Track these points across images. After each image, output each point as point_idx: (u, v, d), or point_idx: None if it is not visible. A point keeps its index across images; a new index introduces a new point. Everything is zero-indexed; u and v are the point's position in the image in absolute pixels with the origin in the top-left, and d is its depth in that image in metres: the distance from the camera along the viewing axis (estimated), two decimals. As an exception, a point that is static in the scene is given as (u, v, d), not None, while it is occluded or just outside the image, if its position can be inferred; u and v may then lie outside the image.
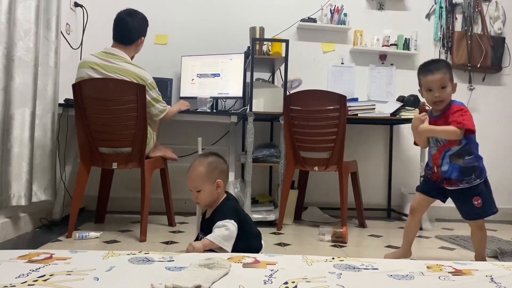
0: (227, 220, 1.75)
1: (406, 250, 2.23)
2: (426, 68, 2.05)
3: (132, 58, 2.75)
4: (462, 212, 2.10)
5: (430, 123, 2.04)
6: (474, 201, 2.00)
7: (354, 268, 1.46)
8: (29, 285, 1.16)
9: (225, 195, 1.90)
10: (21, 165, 2.39)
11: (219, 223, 1.75)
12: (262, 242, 1.93)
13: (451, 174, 2.01)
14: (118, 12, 2.73)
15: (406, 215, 3.62)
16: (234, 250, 1.75)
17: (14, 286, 1.15)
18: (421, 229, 3.20)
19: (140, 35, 2.76)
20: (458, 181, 2.01)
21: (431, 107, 2.13)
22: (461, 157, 2.00)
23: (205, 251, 1.69)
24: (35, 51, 2.47)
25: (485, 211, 2.02)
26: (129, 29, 2.69)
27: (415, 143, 2.21)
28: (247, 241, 1.83)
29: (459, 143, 2.00)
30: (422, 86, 2.06)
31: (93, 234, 2.51)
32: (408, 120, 3.38)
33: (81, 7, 3.33)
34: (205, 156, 1.90)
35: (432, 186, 2.13)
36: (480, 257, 2.14)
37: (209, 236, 1.73)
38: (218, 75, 3.49)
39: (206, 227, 1.84)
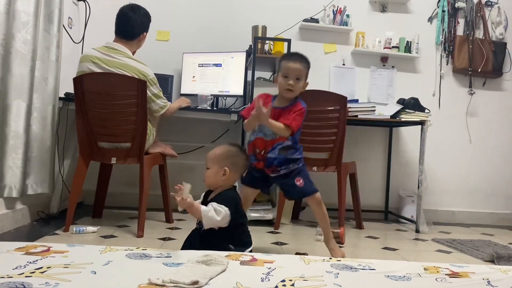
0: (223, 206, 1.76)
1: None
2: (291, 57, 2.13)
3: (133, 53, 2.75)
4: (289, 194, 2.23)
5: (274, 113, 2.07)
6: (296, 181, 2.11)
7: (351, 268, 1.46)
8: (26, 276, 1.16)
9: (231, 186, 1.92)
10: (14, 157, 2.38)
11: (216, 205, 1.75)
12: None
13: (274, 161, 2.09)
14: (121, 7, 2.73)
15: (403, 218, 3.63)
16: (229, 239, 1.79)
17: (12, 277, 1.15)
18: (418, 231, 3.20)
19: (143, 30, 2.76)
20: (279, 168, 2.10)
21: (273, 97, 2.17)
22: (287, 150, 2.09)
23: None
24: (33, 44, 2.46)
25: (309, 188, 2.15)
26: (132, 25, 2.69)
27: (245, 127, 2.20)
28: (242, 235, 1.88)
29: (289, 140, 2.09)
30: (280, 71, 2.09)
31: (90, 228, 2.51)
32: (408, 123, 3.39)
33: (84, 1, 3.32)
34: (230, 144, 1.98)
35: (256, 177, 2.18)
36: (328, 239, 2.25)
37: (203, 207, 1.73)
38: (220, 65, 3.49)
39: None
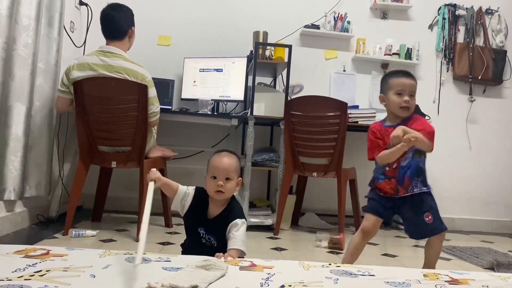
0: (243, 221, 1.67)
1: None
2: (403, 73, 1.97)
3: (127, 50, 2.72)
4: (416, 235, 2.04)
5: (388, 133, 1.90)
6: (426, 217, 1.91)
7: (351, 274, 1.46)
8: (25, 279, 1.16)
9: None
10: (13, 160, 2.38)
11: (235, 232, 1.63)
12: None
13: (407, 171, 1.91)
14: (102, 9, 2.71)
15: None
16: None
17: (11, 280, 1.14)
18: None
19: (130, 25, 2.71)
20: (412, 182, 1.91)
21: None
22: (421, 154, 1.93)
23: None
24: (34, 47, 2.47)
25: (437, 227, 1.95)
26: (118, 22, 2.65)
27: (372, 159, 2.00)
28: None
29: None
30: (392, 89, 1.92)
31: (89, 232, 2.51)
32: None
33: (86, 6, 3.34)
34: (229, 152, 1.78)
35: (384, 205, 1.99)
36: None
37: (235, 245, 1.61)
38: (220, 70, 3.50)
39: (212, 225, 1.70)
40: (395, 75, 1.96)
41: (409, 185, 1.91)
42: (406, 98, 1.89)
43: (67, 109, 2.68)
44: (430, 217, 1.91)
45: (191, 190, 1.75)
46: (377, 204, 1.99)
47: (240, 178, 1.75)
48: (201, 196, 1.74)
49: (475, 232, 3.78)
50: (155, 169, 1.72)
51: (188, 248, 1.76)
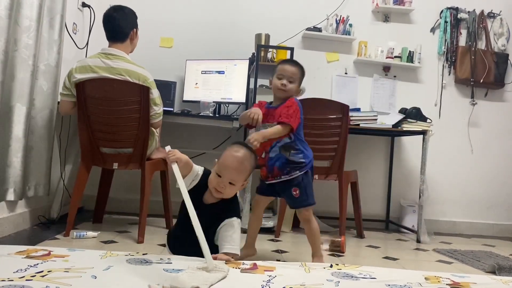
0: (239, 222, 1.68)
1: (250, 246, 2.26)
2: (287, 61, 2.24)
3: (129, 52, 2.72)
4: (289, 204, 2.21)
5: (267, 112, 2.12)
6: (293, 191, 2.08)
7: (352, 276, 1.46)
8: (27, 280, 1.16)
9: None
10: (14, 161, 2.38)
11: (232, 234, 1.63)
12: None
13: (276, 163, 2.07)
14: (105, 11, 2.70)
15: (404, 227, 3.62)
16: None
17: (12, 280, 1.15)
18: (419, 241, 3.19)
19: (132, 27, 2.69)
20: (281, 172, 2.07)
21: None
22: (288, 150, 2.07)
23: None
24: (35, 49, 2.47)
25: (302, 201, 2.10)
26: (119, 25, 2.64)
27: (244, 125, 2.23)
28: None
29: (289, 138, 2.08)
30: (275, 73, 2.15)
31: (90, 233, 2.51)
32: (410, 132, 3.39)
33: (89, 8, 3.35)
34: (250, 151, 1.77)
35: (265, 185, 2.18)
36: (317, 256, 2.16)
37: (233, 250, 1.62)
38: (222, 72, 3.50)
39: (204, 211, 1.66)
40: (282, 63, 2.20)
41: (279, 174, 2.08)
42: (284, 82, 2.08)
43: (71, 112, 2.68)
44: (297, 192, 2.08)
45: (200, 171, 1.77)
46: (261, 184, 2.21)
47: (246, 181, 1.73)
48: (205, 181, 1.73)
49: (476, 236, 3.77)
50: (169, 147, 1.68)
51: (174, 236, 1.80)
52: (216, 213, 1.68)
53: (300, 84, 2.15)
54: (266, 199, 2.26)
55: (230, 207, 1.71)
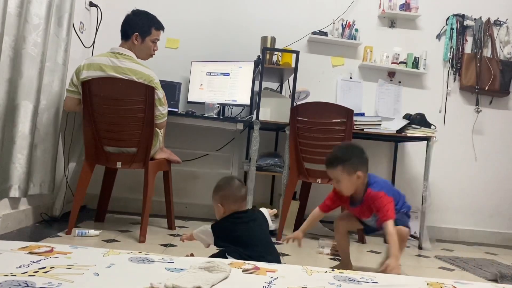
0: (207, 225, 1.86)
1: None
2: (326, 162, 2.18)
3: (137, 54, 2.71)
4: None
5: (354, 212, 2.22)
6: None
7: (354, 280, 1.45)
8: (29, 275, 1.16)
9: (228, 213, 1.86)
10: (20, 158, 2.39)
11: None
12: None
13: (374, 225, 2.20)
14: None
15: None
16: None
17: (15, 275, 1.15)
18: (420, 248, 3.18)
19: (134, 30, 2.66)
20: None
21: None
22: None
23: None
24: (43, 47, 2.48)
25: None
26: (124, 24, 2.69)
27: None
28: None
29: None
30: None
31: (92, 232, 2.51)
32: (414, 138, 3.38)
33: (96, 7, 3.37)
34: (242, 185, 1.92)
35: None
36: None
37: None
38: (227, 74, 3.51)
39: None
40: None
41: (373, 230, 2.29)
42: (335, 185, 2.16)
43: (75, 109, 2.69)
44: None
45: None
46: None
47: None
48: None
49: (478, 244, 3.75)
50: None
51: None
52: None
53: (353, 169, 2.06)
54: (347, 224, 2.33)
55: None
